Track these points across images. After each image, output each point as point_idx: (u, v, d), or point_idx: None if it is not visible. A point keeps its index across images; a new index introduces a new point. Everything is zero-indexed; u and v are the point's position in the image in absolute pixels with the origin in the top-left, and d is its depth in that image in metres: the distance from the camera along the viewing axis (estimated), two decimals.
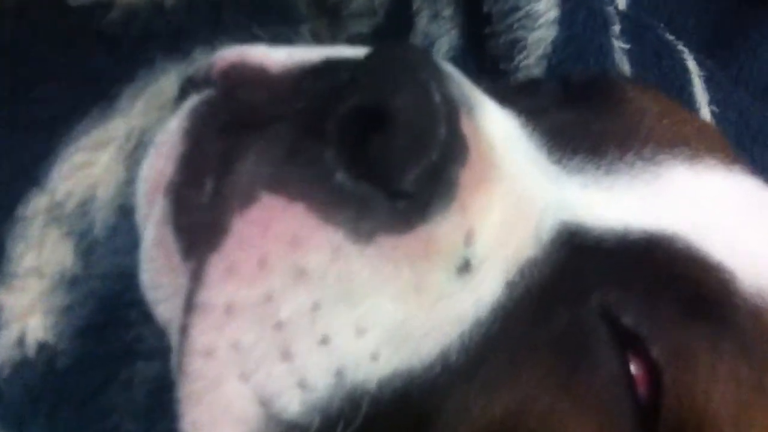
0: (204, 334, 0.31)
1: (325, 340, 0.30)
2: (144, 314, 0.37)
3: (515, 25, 0.56)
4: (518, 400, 0.32)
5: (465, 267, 0.31)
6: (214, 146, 0.32)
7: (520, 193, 0.32)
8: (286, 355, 0.30)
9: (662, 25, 0.65)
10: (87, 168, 0.38)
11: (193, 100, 0.35)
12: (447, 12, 0.57)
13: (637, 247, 0.34)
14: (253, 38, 0.40)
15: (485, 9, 0.53)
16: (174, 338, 0.33)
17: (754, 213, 0.36)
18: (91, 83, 0.38)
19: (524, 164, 0.32)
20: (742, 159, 0.41)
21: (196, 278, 0.31)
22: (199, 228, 0.31)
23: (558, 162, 0.35)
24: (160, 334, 0.37)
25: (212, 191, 0.32)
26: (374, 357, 0.31)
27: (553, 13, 0.56)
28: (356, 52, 0.35)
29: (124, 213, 0.38)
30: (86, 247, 0.37)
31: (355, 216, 0.30)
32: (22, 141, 0.38)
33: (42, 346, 0.36)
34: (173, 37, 0.40)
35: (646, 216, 0.33)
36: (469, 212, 0.31)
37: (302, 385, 0.30)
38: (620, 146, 0.35)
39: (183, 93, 0.37)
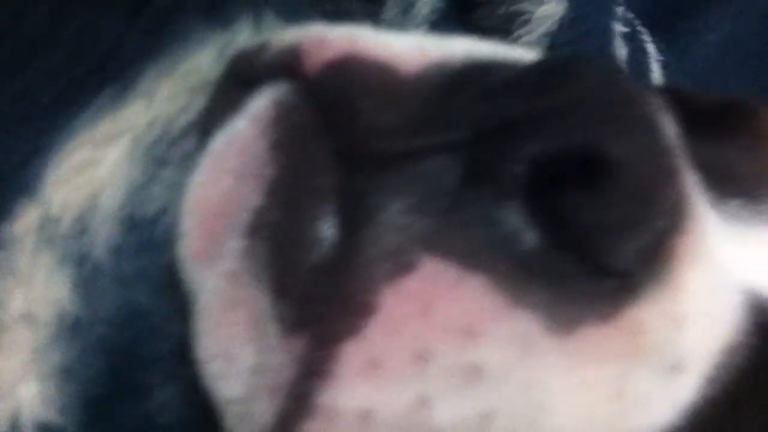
0: None
1: None
2: (165, 374, 0.27)
3: None
4: None
5: (677, 365, 0.25)
6: (328, 177, 0.25)
7: (717, 260, 0.27)
8: None
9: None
10: (90, 168, 0.29)
11: (272, 96, 0.26)
12: None
13: None
14: (299, 6, 0.30)
15: None
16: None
17: None
18: (103, 61, 0.28)
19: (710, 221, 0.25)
20: None
21: (315, 368, 0.24)
22: (319, 296, 0.24)
23: (715, 208, 0.29)
24: (188, 402, 0.28)
25: (339, 245, 0.24)
26: None
27: None
28: (505, 52, 0.26)
29: (132, 227, 0.28)
30: (86, 277, 0.27)
31: (552, 297, 0.24)
32: (11, 135, 0.27)
33: (44, 430, 0.25)
34: (210, 2, 0.29)
35: None
36: (683, 293, 0.25)
37: None
38: None
39: (235, 77, 0.27)
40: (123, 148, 0.30)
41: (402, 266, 0.23)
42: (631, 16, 0.67)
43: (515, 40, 0.54)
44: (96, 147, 0.30)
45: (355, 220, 0.24)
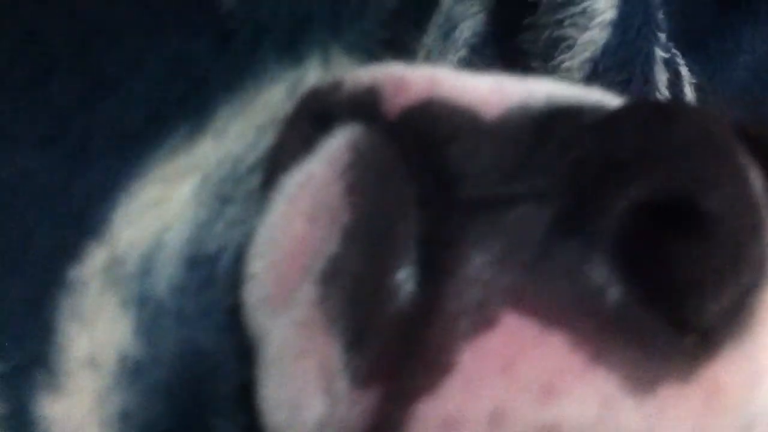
0: None
1: None
2: (223, 417, 0.26)
3: (566, 22, 0.49)
4: None
5: (749, 425, 0.24)
6: (408, 224, 0.24)
7: None
8: None
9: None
10: (159, 207, 0.28)
11: (348, 137, 0.26)
12: None
13: None
14: (375, 50, 0.30)
15: None
16: None
17: None
18: (188, 93, 0.27)
19: None
20: None
21: (387, 424, 0.23)
22: (395, 351, 0.23)
23: None
24: None
25: (418, 298, 0.23)
26: None
27: (611, 14, 0.51)
28: (585, 94, 0.25)
29: (193, 266, 0.27)
30: (149, 318, 0.27)
31: (633, 355, 0.23)
32: (86, 169, 0.26)
33: None
34: (288, 35, 0.29)
35: None
36: (761, 351, 0.24)
37: None
38: None
39: (306, 115, 0.27)
40: (192, 187, 0.30)
41: (483, 322, 0.23)
42: (670, 43, 0.66)
43: (558, 66, 0.53)
44: (166, 185, 0.29)
45: (436, 272, 0.23)
